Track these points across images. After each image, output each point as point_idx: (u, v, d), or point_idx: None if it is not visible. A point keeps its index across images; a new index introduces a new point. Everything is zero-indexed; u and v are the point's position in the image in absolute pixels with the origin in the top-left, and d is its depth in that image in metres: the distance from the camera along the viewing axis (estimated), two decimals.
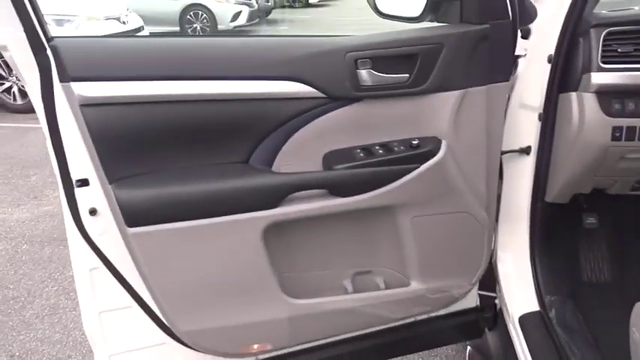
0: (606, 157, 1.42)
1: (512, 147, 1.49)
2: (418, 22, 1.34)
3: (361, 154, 1.23)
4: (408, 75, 1.19)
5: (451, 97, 1.21)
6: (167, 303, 1.21)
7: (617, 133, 1.37)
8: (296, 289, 1.31)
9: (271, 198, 1.18)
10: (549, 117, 1.43)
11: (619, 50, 1.36)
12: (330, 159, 1.23)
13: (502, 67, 1.26)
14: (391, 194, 1.24)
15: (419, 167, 1.24)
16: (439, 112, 1.23)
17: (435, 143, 1.25)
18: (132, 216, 1.11)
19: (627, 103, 1.36)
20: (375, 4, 1.36)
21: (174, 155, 1.15)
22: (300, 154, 1.21)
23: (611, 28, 1.37)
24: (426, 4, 1.24)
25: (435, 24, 1.29)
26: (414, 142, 1.23)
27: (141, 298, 1.25)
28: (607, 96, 1.36)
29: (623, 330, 1.23)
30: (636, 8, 1.46)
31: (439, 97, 1.22)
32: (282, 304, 1.28)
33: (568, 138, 1.43)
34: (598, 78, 1.36)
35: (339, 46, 1.18)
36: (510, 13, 1.19)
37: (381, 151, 1.23)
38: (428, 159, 1.24)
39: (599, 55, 1.36)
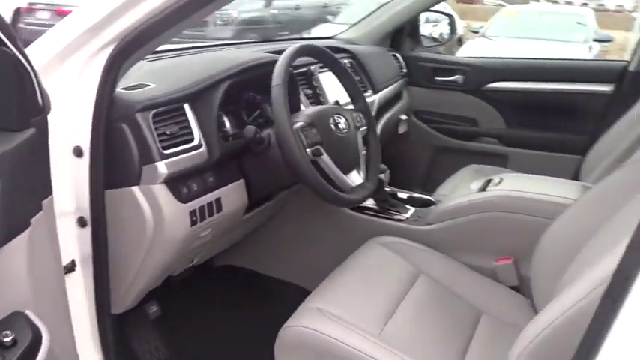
0: (186, 243, 1.33)
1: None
2: None
3: None
4: None
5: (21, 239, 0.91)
6: None
7: (194, 218, 1.30)
8: None
9: None
10: (101, 221, 1.19)
11: (168, 133, 1.23)
12: None
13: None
14: None
15: None
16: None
17: (30, 326, 0.89)
18: None
19: (191, 185, 1.29)
20: None
21: None
22: None
23: (156, 110, 1.22)
24: None
25: None
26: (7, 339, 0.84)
27: None
28: (175, 183, 1.25)
29: None
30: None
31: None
32: None
33: (140, 240, 1.25)
34: (164, 167, 1.20)
35: None
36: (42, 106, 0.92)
37: None
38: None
39: (158, 142, 1.20)
